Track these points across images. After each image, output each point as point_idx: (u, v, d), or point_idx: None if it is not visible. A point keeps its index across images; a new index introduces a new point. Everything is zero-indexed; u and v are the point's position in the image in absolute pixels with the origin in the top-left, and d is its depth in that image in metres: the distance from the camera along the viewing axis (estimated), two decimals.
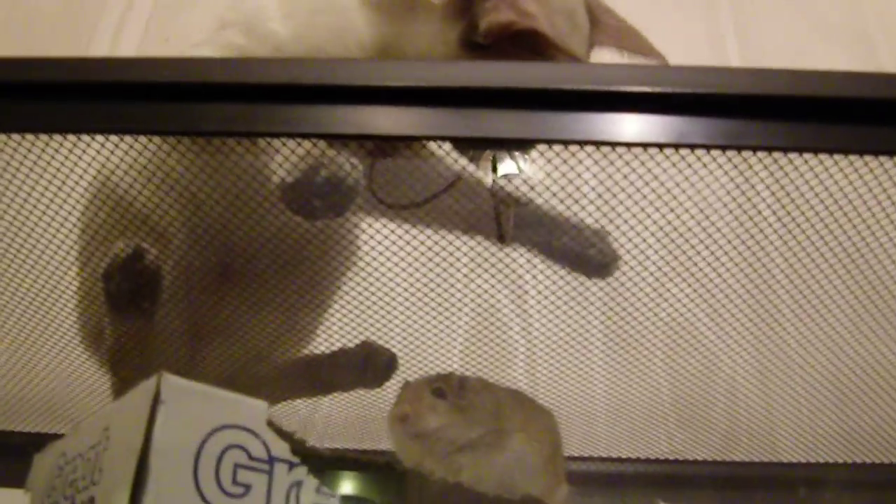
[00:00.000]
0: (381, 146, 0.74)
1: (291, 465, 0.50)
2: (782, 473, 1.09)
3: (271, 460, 0.49)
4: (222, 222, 0.72)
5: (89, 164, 0.65)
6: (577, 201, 0.70)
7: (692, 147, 0.56)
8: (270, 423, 0.50)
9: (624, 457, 1.12)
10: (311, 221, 0.71)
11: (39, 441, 0.60)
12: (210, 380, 0.82)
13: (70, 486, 0.51)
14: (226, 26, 0.77)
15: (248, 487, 0.48)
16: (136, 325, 0.75)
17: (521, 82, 0.55)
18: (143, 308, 0.72)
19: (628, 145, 0.56)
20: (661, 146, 0.56)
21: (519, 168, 0.78)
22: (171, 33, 1.65)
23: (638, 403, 1.03)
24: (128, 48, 1.62)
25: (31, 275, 0.76)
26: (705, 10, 1.62)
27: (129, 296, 0.72)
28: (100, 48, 1.63)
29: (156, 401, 0.46)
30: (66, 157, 0.64)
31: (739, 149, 0.56)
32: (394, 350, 0.91)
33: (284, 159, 0.63)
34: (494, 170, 0.79)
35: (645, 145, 0.56)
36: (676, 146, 0.56)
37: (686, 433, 1.08)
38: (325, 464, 0.52)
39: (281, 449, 0.50)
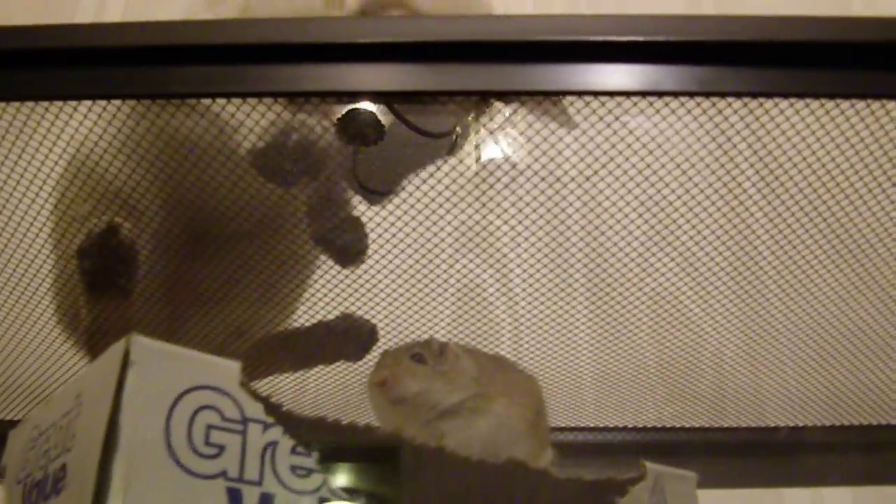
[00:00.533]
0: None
1: (266, 426, 0.49)
2: (770, 437, 1.09)
3: (245, 421, 0.49)
4: (194, 191, 0.71)
5: (58, 136, 0.64)
6: (552, 159, 0.70)
7: (664, 95, 0.56)
8: (244, 385, 0.49)
9: (612, 426, 1.12)
10: (285, 187, 0.71)
11: None
12: None
13: (43, 457, 0.51)
14: None
15: (221, 448, 0.47)
16: (113, 303, 0.74)
17: (494, 35, 0.55)
18: (119, 285, 0.72)
19: (595, 94, 0.56)
20: (630, 94, 0.55)
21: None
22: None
23: (625, 375, 1.03)
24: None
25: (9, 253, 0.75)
26: None
27: (104, 273, 0.71)
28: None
29: (125, 362, 0.46)
30: (35, 127, 0.63)
31: (711, 95, 0.56)
32: (378, 329, 0.91)
33: (255, 123, 0.63)
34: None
35: (615, 94, 0.55)
36: (646, 94, 0.56)
37: (673, 402, 1.08)
38: (301, 427, 0.51)
39: (255, 409, 0.49)
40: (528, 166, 0.70)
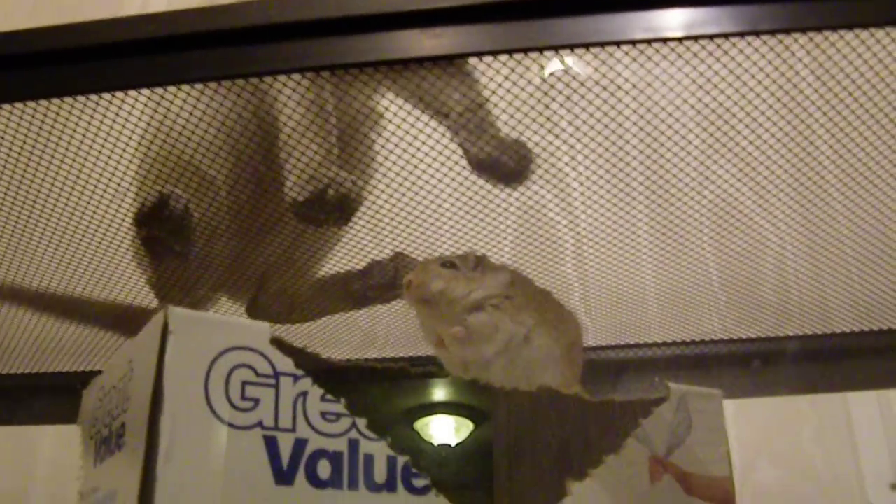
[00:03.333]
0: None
1: (296, 378, 0.54)
2: (836, 344, 1.09)
3: (276, 375, 0.54)
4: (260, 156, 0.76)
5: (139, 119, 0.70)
6: (613, 94, 0.71)
7: (729, 35, 0.58)
8: (275, 341, 0.54)
9: (677, 340, 1.13)
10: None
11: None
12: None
13: (108, 416, 0.57)
14: None
15: (256, 401, 0.53)
16: (171, 264, 0.80)
17: None
18: (174, 250, 0.77)
19: (665, 40, 0.58)
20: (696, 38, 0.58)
21: (564, 64, 0.79)
22: None
23: (688, 286, 1.03)
24: None
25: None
26: None
27: (159, 240, 0.77)
28: None
29: (164, 331, 0.51)
30: (116, 115, 0.68)
31: (774, 32, 0.58)
32: (445, 254, 0.92)
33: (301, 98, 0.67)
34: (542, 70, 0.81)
35: (677, 39, 0.57)
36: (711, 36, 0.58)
37: (737, 312, 1.08)
38: (337, 373, 0.56)
39: (285, 364, 0.54)
40: (587, 79, 0.70)
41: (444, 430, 0.70)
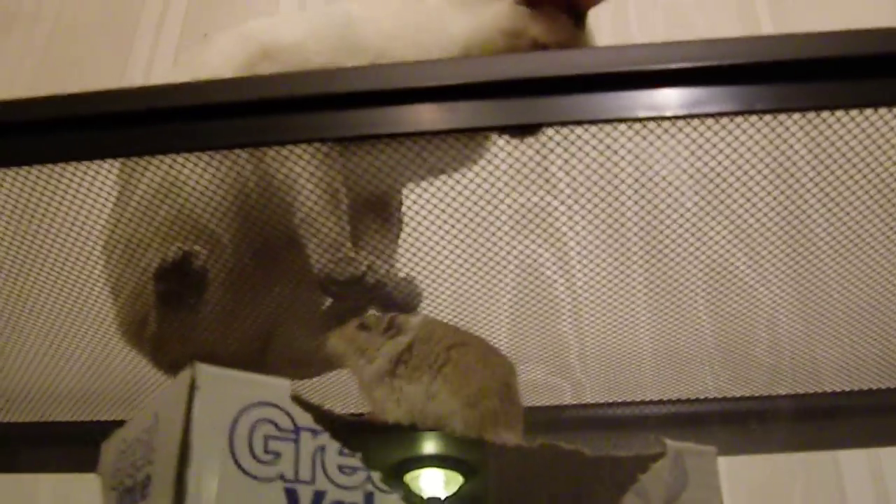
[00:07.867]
0: None
1: (315, 433, 0.57)
2: (827, 403, 1.11)
3: (297, 430, 0.57)
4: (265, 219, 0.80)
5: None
6: (609, 158, 0.74)
7: (734, 115, 0.62)
8: (295, 398, 0.57)
9: (674, 399, 1.15)
10: None
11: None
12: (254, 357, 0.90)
13: (131, 467, 0.59)
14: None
15: (278, 454, 0.56)
16: (183, 319, 0.82)
17: (564, 69, 0.60)
18: (190, 306, 0.80)
19: (671, 119, 0.61)
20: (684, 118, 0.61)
21: None
22: (209, 28, 1.73)
23: (683, 346, 1.05)
24: (168, 44, 1.71)
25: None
26: None
27: (177, 296, 0.79)
28: (142, 45, 1.72)
29: (192, 387, 0.54)
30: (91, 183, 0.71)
31: (773, 112, 0.62)
32: (443, 313, 0.95)
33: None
34: None
35: (672, 118, 0.61)
36: (707, 116, 0.61)
37: (731, 371, 1.10)
38: (350, 429, 0.59)
39: (305, 419, 0.57)
40: (584, 143, 0.73)
41: (434, 484, 0.72)
